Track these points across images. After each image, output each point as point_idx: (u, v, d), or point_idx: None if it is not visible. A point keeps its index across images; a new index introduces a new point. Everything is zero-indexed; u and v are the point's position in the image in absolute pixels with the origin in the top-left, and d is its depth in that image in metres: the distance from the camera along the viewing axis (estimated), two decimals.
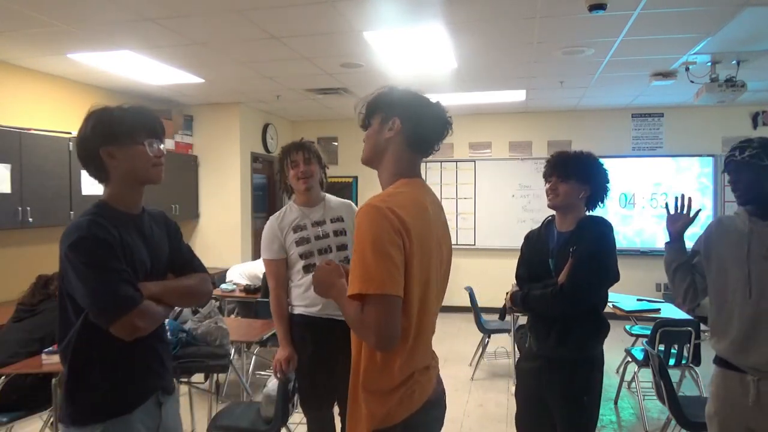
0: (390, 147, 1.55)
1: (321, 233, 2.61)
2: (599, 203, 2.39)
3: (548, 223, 2.44)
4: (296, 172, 2.60)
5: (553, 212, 2.43)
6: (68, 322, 1.60)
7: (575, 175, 2.29)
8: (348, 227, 2.67)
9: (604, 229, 2.27)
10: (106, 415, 1.60)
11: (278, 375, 2.63)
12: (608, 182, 2.37)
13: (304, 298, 2.58)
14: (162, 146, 1.72)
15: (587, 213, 2.38)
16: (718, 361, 2.18)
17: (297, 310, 2.62)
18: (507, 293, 2.50)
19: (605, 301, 2.39)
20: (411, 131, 1.53)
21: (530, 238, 2.50)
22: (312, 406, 2.71)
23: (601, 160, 2.39)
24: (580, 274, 2.17)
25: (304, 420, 3.80)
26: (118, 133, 1.63)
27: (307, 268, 2.58)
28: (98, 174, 1.69)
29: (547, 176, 2.37)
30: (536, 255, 2.38)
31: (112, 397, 1.61)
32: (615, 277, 2.27)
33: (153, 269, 1.71)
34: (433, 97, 1.61)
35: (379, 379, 1.46)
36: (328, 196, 2.75)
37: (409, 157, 1.57)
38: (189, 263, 1.85)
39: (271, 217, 2.69)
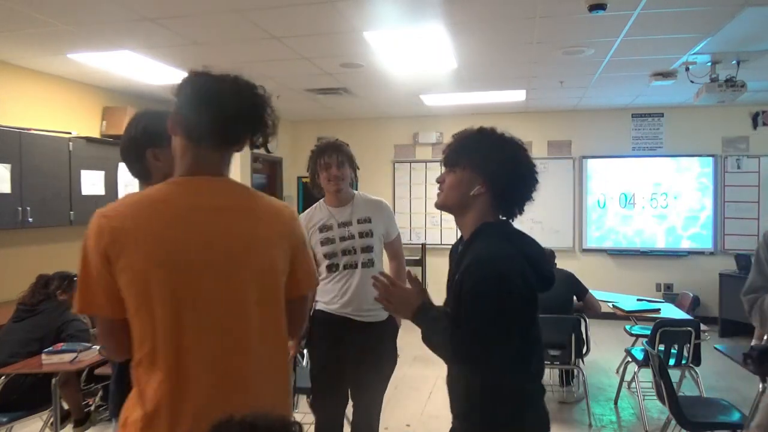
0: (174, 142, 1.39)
1: (347, 234, 2.63)
2: (514, 207, 1.61)
3: None
4: (328, 175, 2.62)
5: None
6: None
7: (464, 162, 1.57)
8: (375, 228, 2.68)
9: (493, 251, 1.48)
10: None
11: None
12: (524, 172, 1.58)
13: (325, 296, 2.65)
14: None
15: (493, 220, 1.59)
16: None
17: (318, 306, 2.69)
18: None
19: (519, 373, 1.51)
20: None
21: (451, 252, 1.73)
22: (324, 397, 2.74)
23: (517, 141, 1.64)
24: (474, 316, 1.43)
25: (305, 420, 3.81)
26: (165, 136, 1.69)
27: (330, 268, 2.63)
28: (141, 173, 1.74)
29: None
30: (449, 273, 1.66)
31: None
32: (521, 336, 1.46)
33: None
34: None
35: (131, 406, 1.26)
36: (358, 194, 2.74)
37: (190, 148, 1.34)
38: None
39: (300, 216, 2.73)
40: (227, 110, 1.30)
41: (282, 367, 1.39)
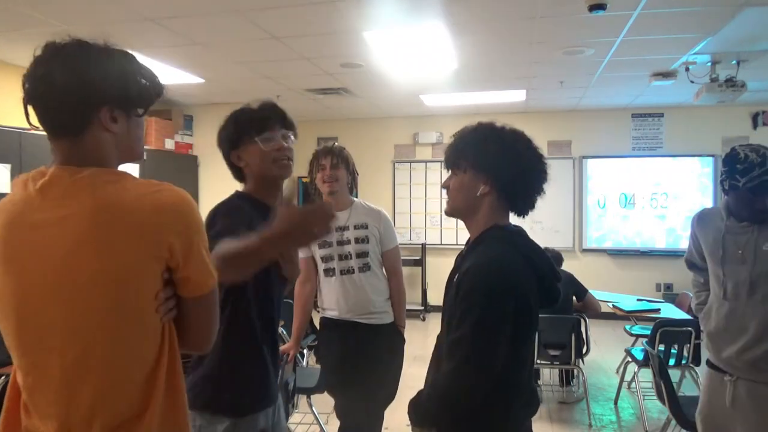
0: None
1: (343, 239, 2.67)
2: (522, 203, 1.50)
3: None
4: (322, 176, 2.68)
5: None
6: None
7: (464, 162, 1.48)
8: (372, 234, 2.71)
9: (493, 256, 1.40)
10: (239, 412, 1.57)
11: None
12: (526, 164, 1.47)
13: (328, 302, 2.72)
14: (281, 138, 1.70)
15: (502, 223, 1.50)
16: (707, 360, 2.23)
17: (323, 313, 2.76)
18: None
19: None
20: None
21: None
22: (348, 401, 2.75)
23: (518, 132, 1.52)
24: (460, 352, 1.34)
25: (305, 420, 3.82)
26: (233, 136, 1.72)
27: (326, 272, 2.68)
28: (236, 175, 1.79)
29: None
30: (450, 273, 1.57)
31: (254, 395, 1.61)
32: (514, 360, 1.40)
33: None
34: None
35: None
36: (358, 201, 2.78)
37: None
38: None
39: None
40: (29, 81, 1.12)
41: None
